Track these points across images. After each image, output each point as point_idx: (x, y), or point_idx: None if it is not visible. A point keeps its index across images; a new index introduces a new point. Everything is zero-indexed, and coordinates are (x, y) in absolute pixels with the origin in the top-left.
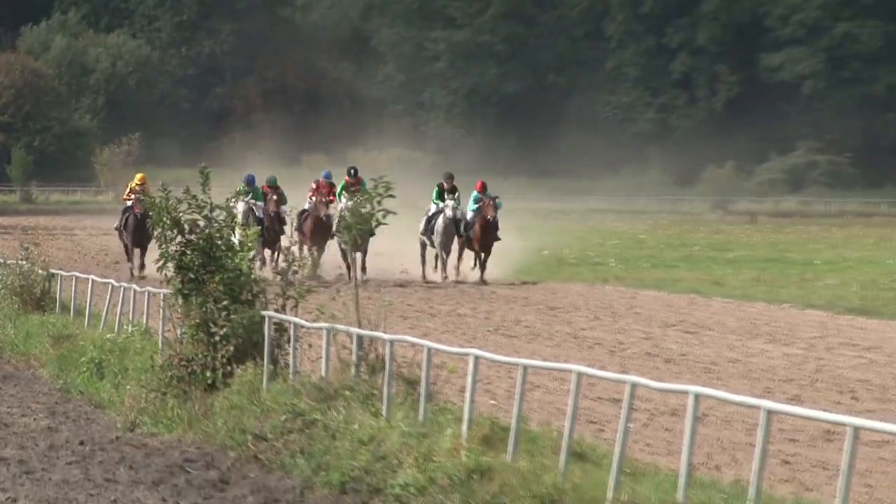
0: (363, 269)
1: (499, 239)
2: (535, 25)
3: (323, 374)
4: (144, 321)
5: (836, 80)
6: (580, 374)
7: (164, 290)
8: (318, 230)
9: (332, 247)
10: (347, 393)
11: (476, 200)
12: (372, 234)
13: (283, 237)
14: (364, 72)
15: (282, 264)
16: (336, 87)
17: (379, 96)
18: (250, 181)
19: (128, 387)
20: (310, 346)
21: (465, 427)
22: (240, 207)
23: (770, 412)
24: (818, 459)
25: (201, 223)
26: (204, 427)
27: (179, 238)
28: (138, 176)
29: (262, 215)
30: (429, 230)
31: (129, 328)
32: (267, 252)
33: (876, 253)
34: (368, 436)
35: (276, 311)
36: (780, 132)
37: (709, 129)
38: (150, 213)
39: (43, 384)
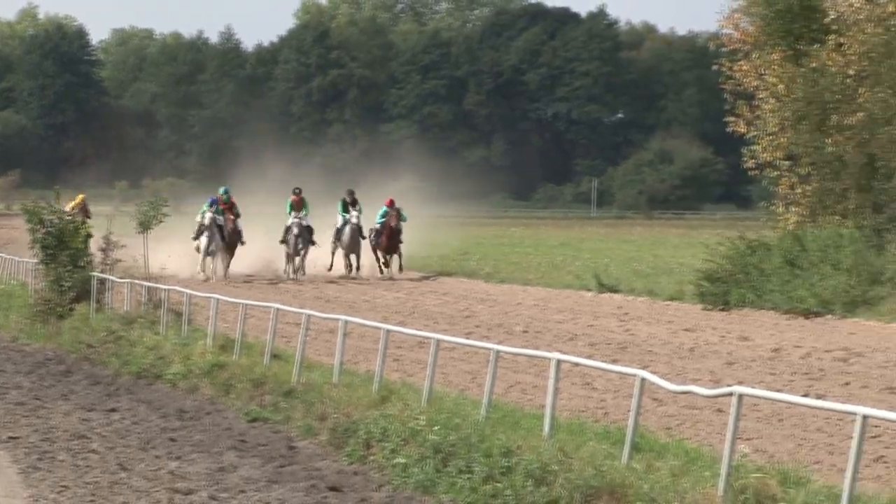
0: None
1: (401, 242)
2: (249, 107)
3: (126, 308)
4: (23, 278)
5: (424, 140)
6: (277, 310)
7: (34, 260)
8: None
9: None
10: (140, 320)
11: (383, 214)
12: (312, 242)
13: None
14: (151, 134)
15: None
16: (137, 142)
17: (160, 148)
18: (214, 202)
19: (12, 316)
20: (119, 292)
21: (209, 340)
22: (207, 216)
23: (388, 331)
24: (416, 359)
25: (56, 221)
26: (57, 340)
27: (42, 229)
28: (79, 197)
29: (222, 223)
30: (339, 238)
31: (14, 282)
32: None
33: (456, 237)
34: (153, 345)
35: (101, 272)
36: (393, 167)
37: (353, 165)
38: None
39: None
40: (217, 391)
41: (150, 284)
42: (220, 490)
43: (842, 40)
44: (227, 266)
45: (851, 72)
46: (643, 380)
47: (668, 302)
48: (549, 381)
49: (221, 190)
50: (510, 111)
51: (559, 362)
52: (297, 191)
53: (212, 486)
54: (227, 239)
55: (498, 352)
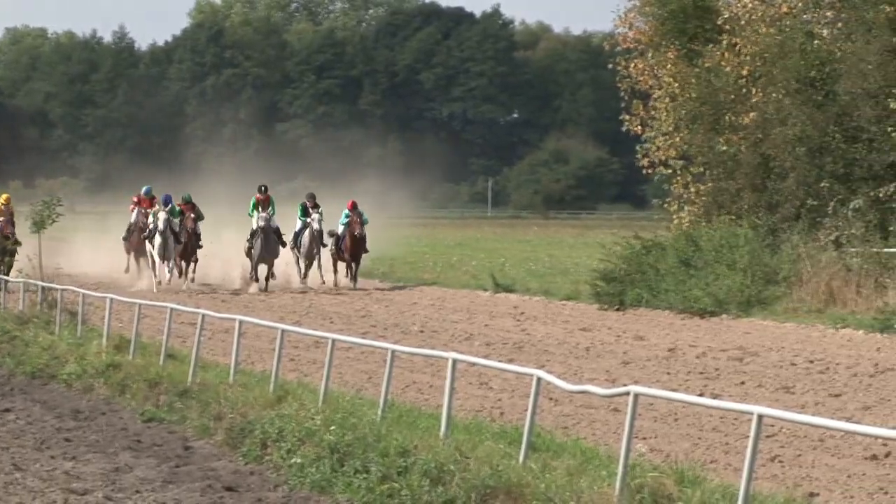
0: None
1: (367, 251)
2: (142, 107)
3: (21, 308)
4: None
5: (320, 139)
6: (172, 310)
7: None
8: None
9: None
10: (35, 320)
11: (347, 217)
12: (283, 244)
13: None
14: (45, 133)
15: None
16: (30, 142)
17: (53, 147)
18: (167, 200)
19: None
20: (13, 292)
21: (104, 339)
22: (161, 216)
23: (284, 331)
24: (312, 359)
25: None
26: None
27: None
28: (4, 196)
29: (179, 230)
30: (297, 244)
31: None
32: (179, 264)
33: None
34: (48, 345)
35: None
36: (288, 167)
37: (248, 163)
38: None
39: None
40: (112, 391)
41: (45, 284)
42: (115, 490)
43: (735, 40)
44: (185, 272)
45: (745, 72)
46: (539, 379)
47: (564, 302)
48: (445, 380)
49: (143, 190)
50: (405, 111)
51: (455, 362)
52: (263, 189)
53: (107, 486)
54: (182, 243)
55: (394, 351)
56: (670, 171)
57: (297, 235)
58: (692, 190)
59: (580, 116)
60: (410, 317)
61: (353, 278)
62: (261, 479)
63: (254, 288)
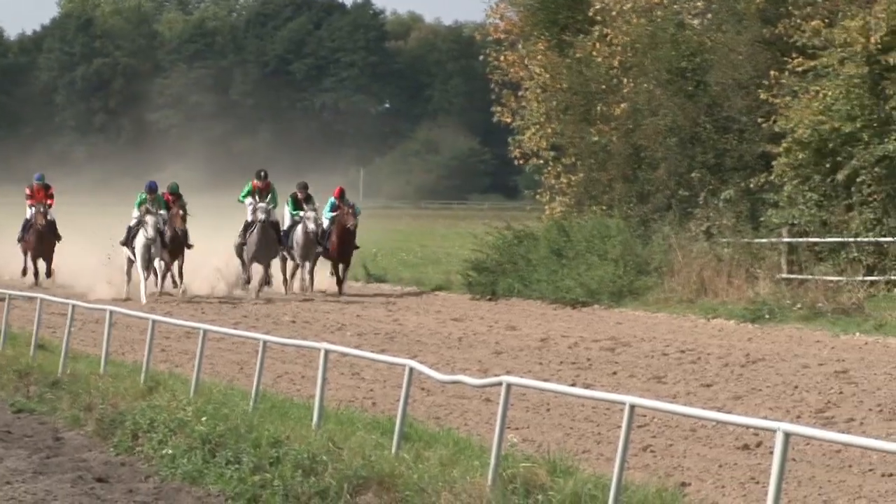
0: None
1: (357, 247)
2: (11, 96)
3: None
4: None
5: (190, 129)
6: (42, 300)
7: None
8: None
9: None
10: None
11: (333, 207)
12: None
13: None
14: None
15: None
16: None
17: None
18: (152, 188)
19: None
20: None
21: None
22: (149, 221)
23: (155, 321)
24: (184, 349)
25: None
26: None
27: None
28: None
29: (164, 227)
30: (287, 243)
31: None
32: (157, 265)
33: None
34: None
35: None
36: (159, 157)
37: (119, 154)
38: None
39: None
40: None
41: None
42: None
43: (607, 31)
44: (167, 275)
45: (616, 62)
46: (412, 369)
47: (436, 292)
48: (317, 371)
49: (35, 177)
50: (276, 101)
51: (327, 352)
52: (262, 174)
53: None
54: (167, 246)
55: (266, 342)
56: (542, 161)
57: (288, 233)
58: (564, 181)
59: (452, 107)
60: (282, 307)
61: (340, 282)
62: (132, 470)
63: (246, 293)
